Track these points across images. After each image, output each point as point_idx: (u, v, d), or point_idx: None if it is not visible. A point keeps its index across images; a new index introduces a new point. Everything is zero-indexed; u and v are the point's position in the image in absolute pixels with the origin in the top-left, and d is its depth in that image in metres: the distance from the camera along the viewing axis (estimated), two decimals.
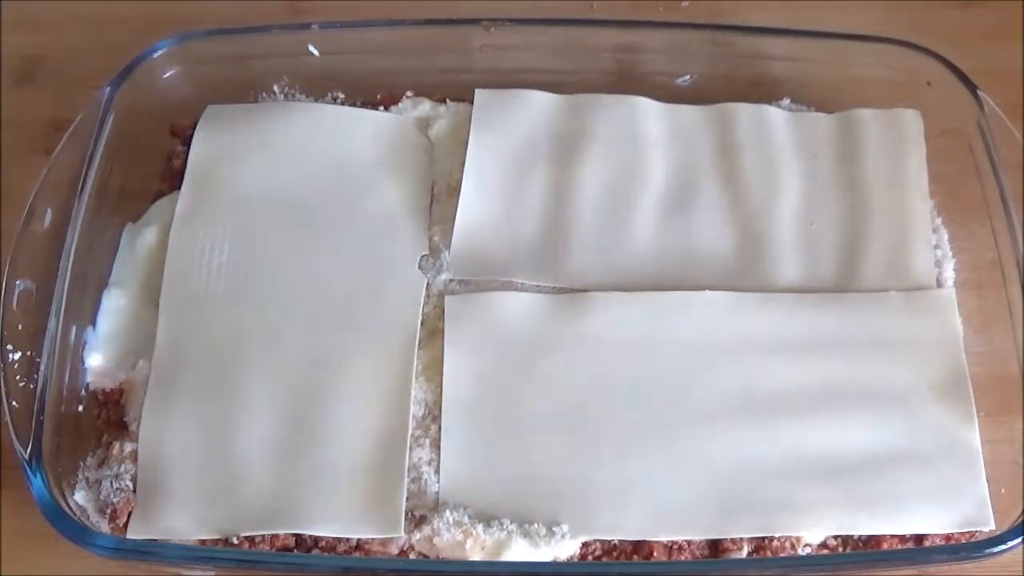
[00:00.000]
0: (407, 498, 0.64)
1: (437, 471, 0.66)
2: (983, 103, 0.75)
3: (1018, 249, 0.71)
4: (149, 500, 0.65)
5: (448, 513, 0.64)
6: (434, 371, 0.69)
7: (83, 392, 0.70)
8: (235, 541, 0.64)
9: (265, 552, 0.63)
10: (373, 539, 0.64)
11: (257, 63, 0.80)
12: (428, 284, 0.72)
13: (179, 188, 0.75)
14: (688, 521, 0.64)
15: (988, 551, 0.62)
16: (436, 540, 0.64)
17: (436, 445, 0.66)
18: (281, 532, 0.64)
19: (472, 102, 0.79)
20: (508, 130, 0.78)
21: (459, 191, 0.75)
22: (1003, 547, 0.62)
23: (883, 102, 0.79)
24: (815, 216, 0.75)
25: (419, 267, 0.73)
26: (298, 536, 0.64)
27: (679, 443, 0.66)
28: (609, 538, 0.64)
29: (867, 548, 0.64)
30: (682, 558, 0.64)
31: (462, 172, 0.75)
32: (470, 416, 0.67)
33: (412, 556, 0.64)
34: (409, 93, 0.80)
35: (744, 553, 0.64)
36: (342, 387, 0.67)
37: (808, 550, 0.65)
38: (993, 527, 0.64)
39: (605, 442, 0.66)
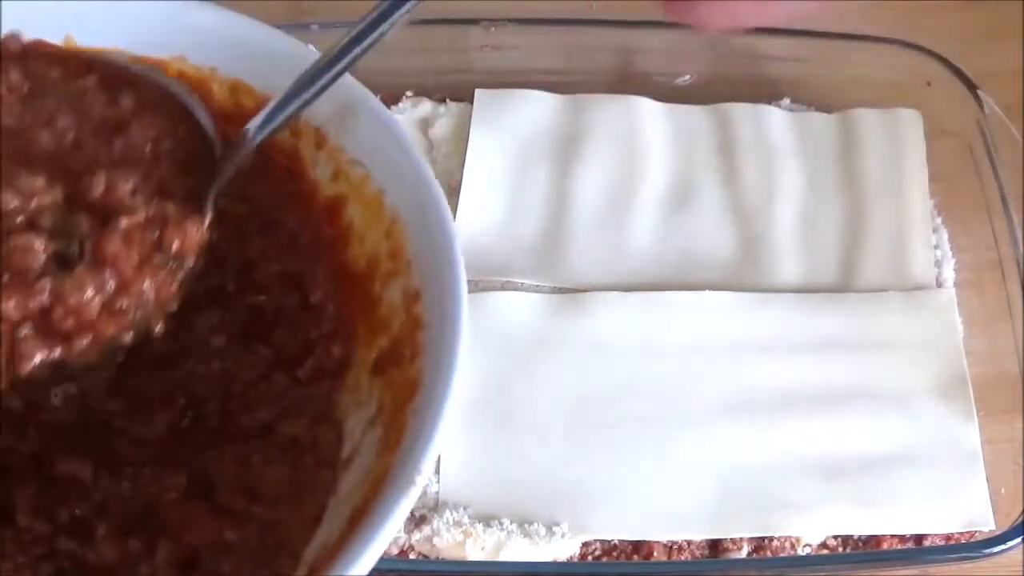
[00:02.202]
0: None
1: (437, 471, 0.66)
2: (983, 103, 0.75)
3: (1018, 249, 0.71)
4: None
5: (448, 513, 0.64)
6: None
7: None
8: None
9: None
10: None
11: None
12: None
13: None
14: (688, 521, 0.64)
15: (988, 551, 0.61)
16: (436, 540, 0.64)
17: None
18: None
19: (472, 102, 0.79)
20: (508, 130, 0.78)
21: (459, 191, 0.75)
22: (1003, 547, 0.61)
23: (883, 102, 0.79)
24: (815, 216, 0.75)
25: None
26: None
27: (679, 443, 0.66)
28: (609, 538, 0.64)
29: (867, 548, 0.64)
30: (682, 558, 0.64)
31: (462, 172, 0.76)
32: (470, 416, 0.67)
33: (412, 556, 0.64)
34: (409, 93, 0.80)
35: (744, 553, 0.64)
36: None
37: (808, 550, 0.64)
38: (993, 527, 0.64)
39: (605, 442, 0.66)
